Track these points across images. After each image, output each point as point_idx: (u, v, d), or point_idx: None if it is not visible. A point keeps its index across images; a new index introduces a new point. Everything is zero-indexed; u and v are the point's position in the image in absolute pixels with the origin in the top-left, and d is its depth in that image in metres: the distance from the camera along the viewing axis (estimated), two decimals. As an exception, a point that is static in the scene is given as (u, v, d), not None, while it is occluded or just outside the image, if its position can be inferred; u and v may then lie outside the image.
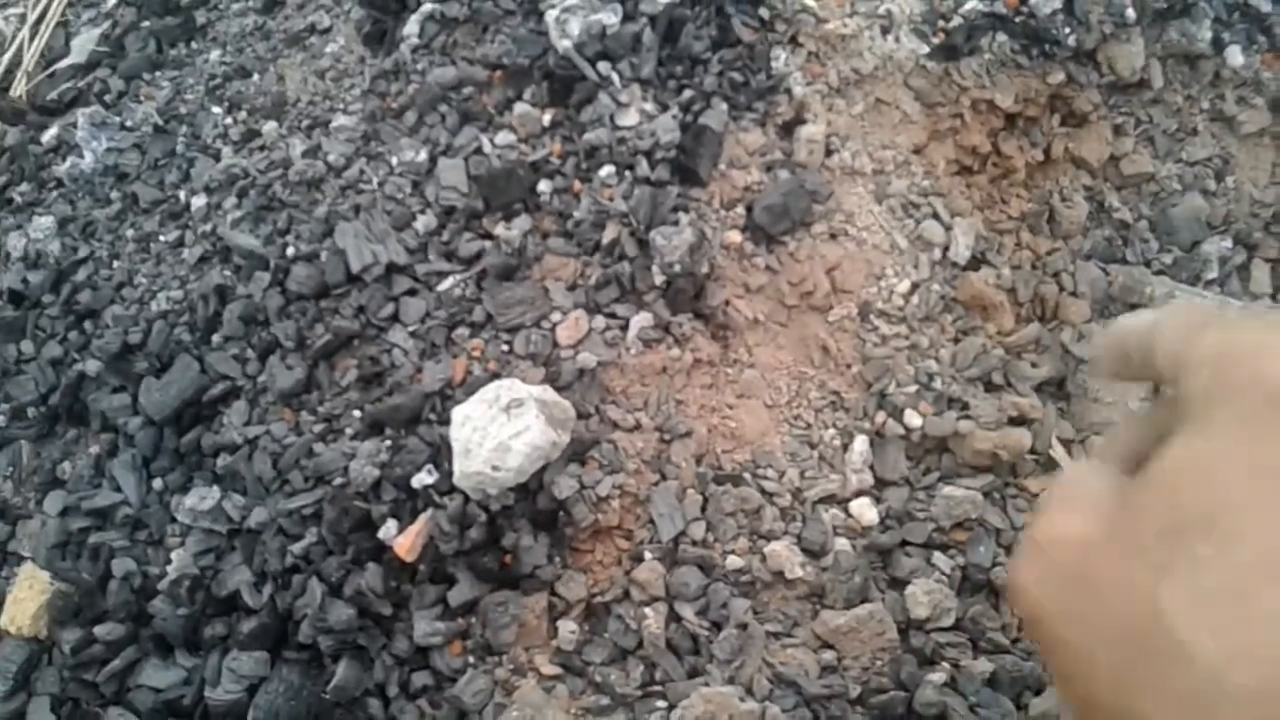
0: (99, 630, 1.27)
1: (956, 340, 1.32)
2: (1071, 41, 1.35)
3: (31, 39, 1.96)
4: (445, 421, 1.16)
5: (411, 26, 1.42)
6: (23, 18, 2.01)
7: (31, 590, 1.32)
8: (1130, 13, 1.35)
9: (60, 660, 1.29)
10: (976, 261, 1.36)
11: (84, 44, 1.90)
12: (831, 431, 1.26)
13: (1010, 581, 0.41)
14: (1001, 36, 1.35)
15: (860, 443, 1.25)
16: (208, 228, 1.43)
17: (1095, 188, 1.45)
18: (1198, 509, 0.35)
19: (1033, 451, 1.28)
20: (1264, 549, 0.33)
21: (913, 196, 1.35)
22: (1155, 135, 1.45)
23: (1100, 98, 1.42)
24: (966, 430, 1.24)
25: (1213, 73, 1.44)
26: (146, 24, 1.83)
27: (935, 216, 1.35)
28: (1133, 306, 1.37)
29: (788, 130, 1.33)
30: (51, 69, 1.89)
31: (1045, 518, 0.42)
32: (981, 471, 1.26)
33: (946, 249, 1.35)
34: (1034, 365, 1.33)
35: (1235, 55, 1.42)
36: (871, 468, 1.25)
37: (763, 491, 1.21)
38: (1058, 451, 1.29)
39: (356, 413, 1.25)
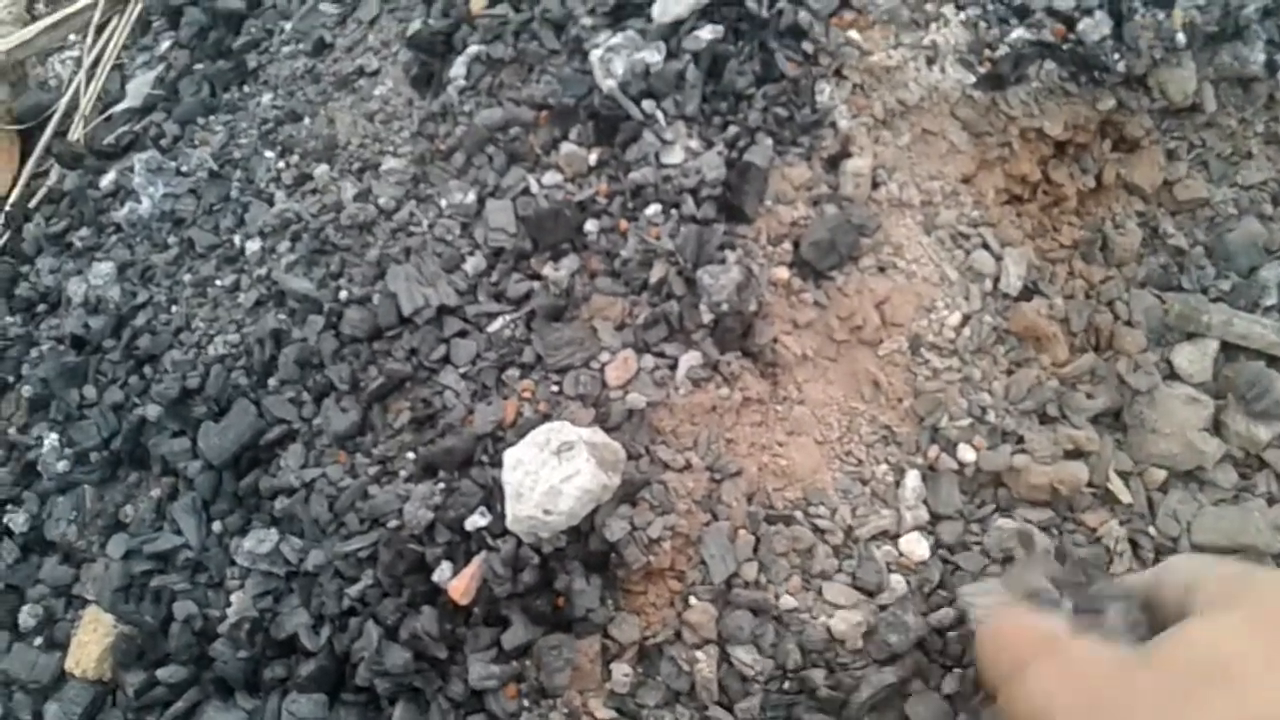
0: (161, 673, 1.29)
1: (1009, 372, 1.31)
2: (1121, 67, 1.33)
3: (88, 83, 2.00)
4: (497, 464, 1.17)
5: (458, 68, 1.43)
6: (79, 61, 2.06)
7: (96, 633, 1.34)
8: (1180, 37, 1.33)
9: (124, 703, 1.32)
10: (1028, 292, 1.35)
11: (139, 87, 1.94)
12: (884, 467, 1.26)
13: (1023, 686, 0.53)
14: (1050, 64, 1.34)
15: (913, 478, 1.24)
16: (263, 272, 1.45)
17: (1149, 214, 1.43)
18: (1218, 668, 0.47)
19: (1090, 485, 1.26)
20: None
21: (962, 227, 1.34)
22: (1209, 159, 1.43)
23: (1152, 123, 1.40)
24: (1022, 464, 1.23)
25: (1267, 95, 1.42)
26: (199, 67, 1.86)
27: (985, 247, 1.34)
28: (1190, 335, 1.34)
29: (833, 164, 1.33)
30: (108, 113, 1.93)
31: (1070, 644, 0.58)
32: (1038, 505, 1.25)
33: (997, 280, 1.33)
34: (1089, 396, 1.31)
35: (1290, 76, 1.40)
36: (925, 502, 1.24)
37: (815, 529, 1.21)
38: (1115, 484, 1.27)
39: (410, 455, 1.26)
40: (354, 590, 1.21)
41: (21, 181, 1.94)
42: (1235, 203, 1.43)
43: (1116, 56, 1.33)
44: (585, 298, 1.28)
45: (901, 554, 1.21)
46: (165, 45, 2.00)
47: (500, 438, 1.22)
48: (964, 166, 1.36)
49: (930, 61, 1.35)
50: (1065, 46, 1.33)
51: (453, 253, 1.33)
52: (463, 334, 1.30)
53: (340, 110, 1.55)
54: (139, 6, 2.09)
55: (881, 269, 1.30)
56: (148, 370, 1.47)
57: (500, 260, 1.32)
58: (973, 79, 1.34)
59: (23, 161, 1.99)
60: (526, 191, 1.33)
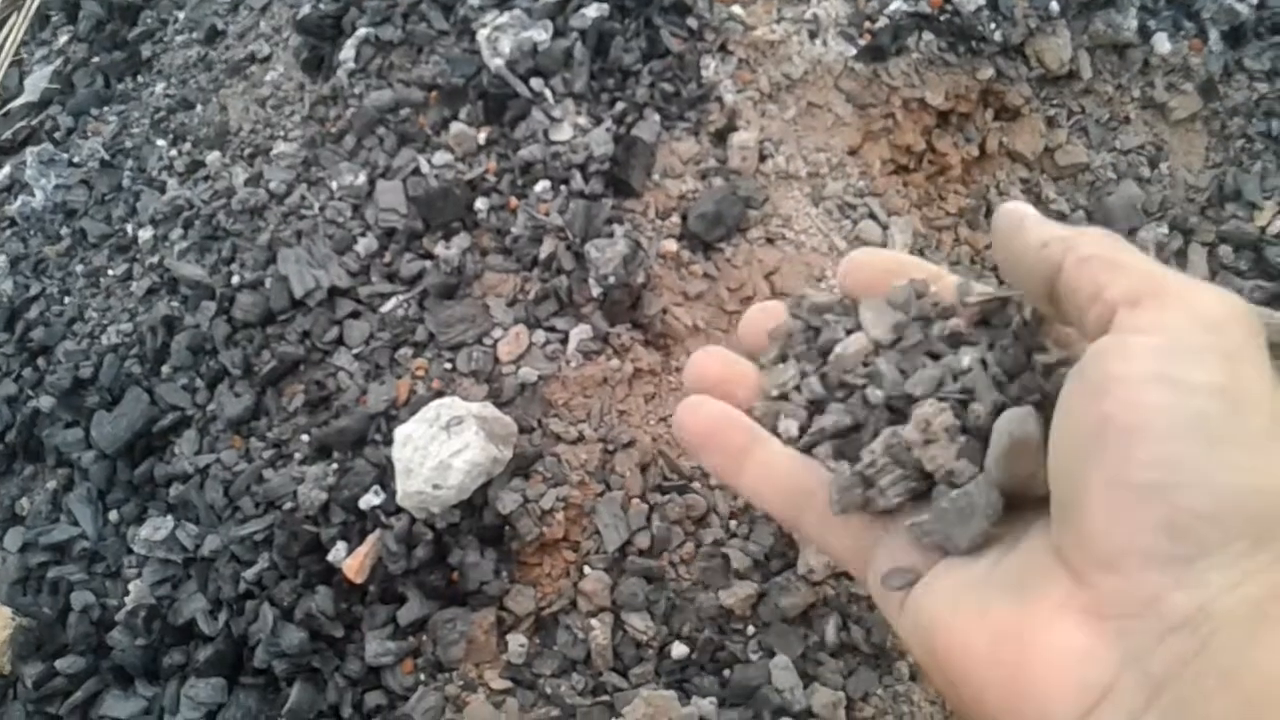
0: (60, 663, 1.28)
1: (898, 337, 1.33)
2: (998, 36, 1.36)
3: (-15, 79, 1.97)
4: (390, 442, 1.17)
5: (348, 51, 1.43)
6: (-24, 58, 2.03)
7: (-7, 627, 1.33)
8: (1054, 5, 1.37)
9: (24, 694, 1.30)
10: (915, 258, 1.37)
11: (37, 82, 1.92)
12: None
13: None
14: (928, 35, 1.36)
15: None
16: (155, 260, 1.44)
17: (1032, 180, 1.46)
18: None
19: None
20: None
21: (849, 198, 1.36)
22: (1088, 125, 1.47)
23: (1031, 91, 1.43)
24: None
25: (1141, 61, 1.46)
26: (96, 60, 1.85)
27: (872, 216, 1.36)
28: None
29: (721, 138, 1.35)
30: (5, 108, 1.91)
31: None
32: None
33: (884, 248, 1.36)
34: (974, 359, 1.34)
35: (1163, 43, 1.44)
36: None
37: (709, 498, 1.22)
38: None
39: (305, 437, 1.26)
40: (250, 574, 1.21)
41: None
42: (1114, 167, 1.47)
43: (993, 26, 1.36)
44: (477, 275, 1.29)
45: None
46: (63, 39, 1.98)
47: (394, 416, 1.22)
48: (850, 138, 1.39)
49: (813, 35, 1.37)
50: (943, 17, 1.36)
51: (344, 234, 1.33)
52: (355, 315, 1.30)
53: (232, 97, 1.54)
54: (36, 2, 2.07)
55: (770, 240, 1.32)
56: (41, 362, 1.45)
57: (392, 240, 1.32)
58: (854, 51, 1.36)
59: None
60: (417, 172, 1.34)
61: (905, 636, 0.45)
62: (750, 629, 1.17)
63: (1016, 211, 0.45)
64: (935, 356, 0.48)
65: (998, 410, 0.44)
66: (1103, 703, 0.35)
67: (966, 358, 0.46)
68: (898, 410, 0.47)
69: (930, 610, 0.43)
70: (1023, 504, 0.43)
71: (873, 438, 0.47)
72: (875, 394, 0.48)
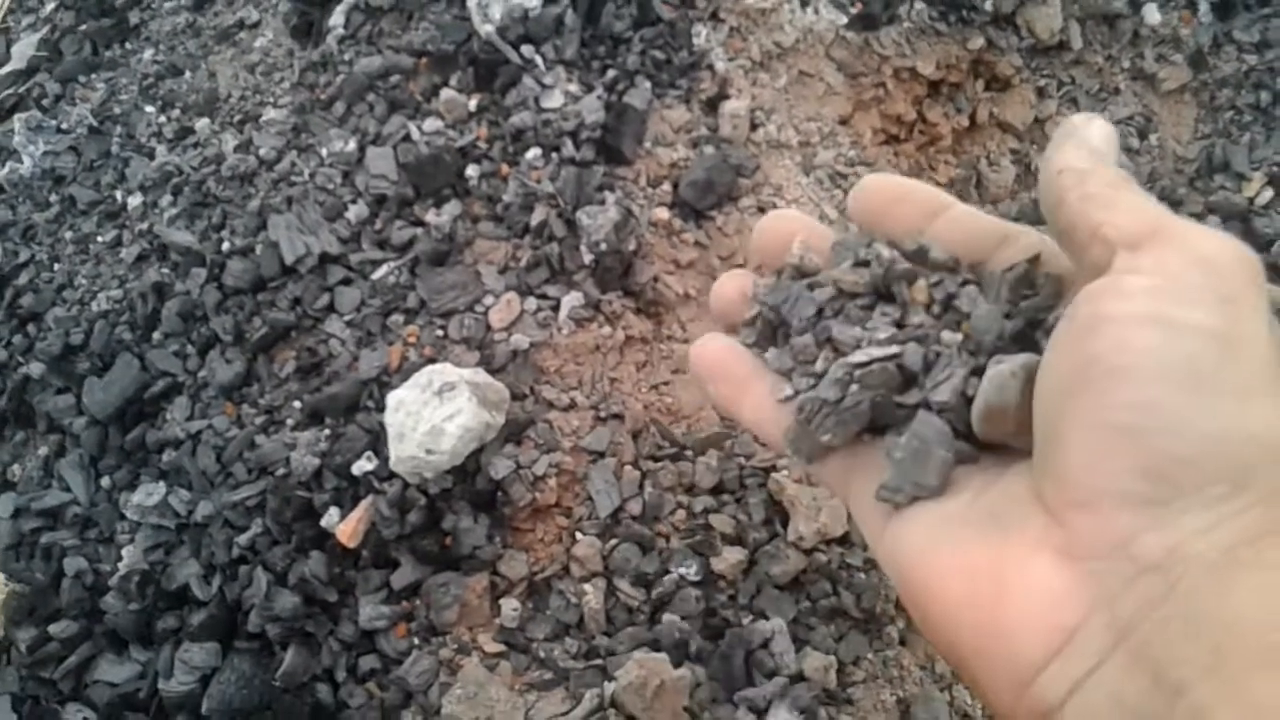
0: (54, 628, 1.28)
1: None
2: (989, 6, 1.37)
3: (-30, 47, 1.96)
4: (383, 408, 1.17)
5: (337, 17, 1.43)
6: (-38, 26, 2.01)
7: (-14, 593, 1.33)
8: (1046, -25, 1.37)
9: (18, 659, 1.31)
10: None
11: (23, 50, 1.90)
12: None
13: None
14: (919, 4, 1.37)
15: (795, 411, 1.27)
16: (144, 226, 1.44)
17: (1021, 151, 1.47)
18: None
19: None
20: None
21: (839, 167, 1.37)
22: (1078, 96, 1.47)
23: (1022, 61, 1.44)
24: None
25: (1131, 31, 1.46)
26: (83, 27, 1.83)
27: (863, 185, 1.37)
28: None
29: (712, 106, 1.35)
30: (-9, 76, 1.90)
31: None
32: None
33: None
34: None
35: (1153, 13, 1.45)
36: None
37: (700, 465, 1.23)
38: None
39: (296, 403, 1.26)
40: (243, 539, 1.22)
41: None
42: (1104, 138, 1.47)
43: (984, -5, 1.37)
44: (468, 242, 1.29)
45: (785, 487, 1.24)
46: (50, 7, 1.96)
47: (386, 383, 1.23)
48: (841, 107, 1.39)
49: (804, 3, 1.37)
50: (935, -14, 1.36)
51: (335, 201, 1.33)
52: (346, 282, 1.30)
53: (221, 63, 1.54)
54: (21, -33, 2.05)
55: (761, 208, 1.33)
56: (31, 329, 1.45)
57: (383, 207, 1.32)
58: (845, 20, 1.36)
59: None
60: (407, 138, 1.34)
61: (884, 566, 0.45)
62: (741, 595, 1.18)
63: (1069, 125, 0.43)
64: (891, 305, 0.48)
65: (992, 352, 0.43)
66: (1069, 644, 0.35)
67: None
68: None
69: (907, 544, 0.42)
70: (1003, 449, 0.42)
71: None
72: (841, 365, 0.47)
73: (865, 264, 0.49)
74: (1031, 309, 0.44)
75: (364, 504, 1.18)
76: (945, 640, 0.39)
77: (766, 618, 1.16)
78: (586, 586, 1.17)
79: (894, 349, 0.45)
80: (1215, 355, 0.35)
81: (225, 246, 1.34)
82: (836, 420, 0.46)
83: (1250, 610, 0.32)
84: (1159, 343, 0.35)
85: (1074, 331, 0.37)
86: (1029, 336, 0.43)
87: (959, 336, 0.45)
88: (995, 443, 0.43)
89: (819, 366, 0.48)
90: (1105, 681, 0.34)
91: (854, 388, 0.45)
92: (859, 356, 0.45)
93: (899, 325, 0.47)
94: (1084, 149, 0.41)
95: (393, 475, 1.16)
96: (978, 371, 0.43)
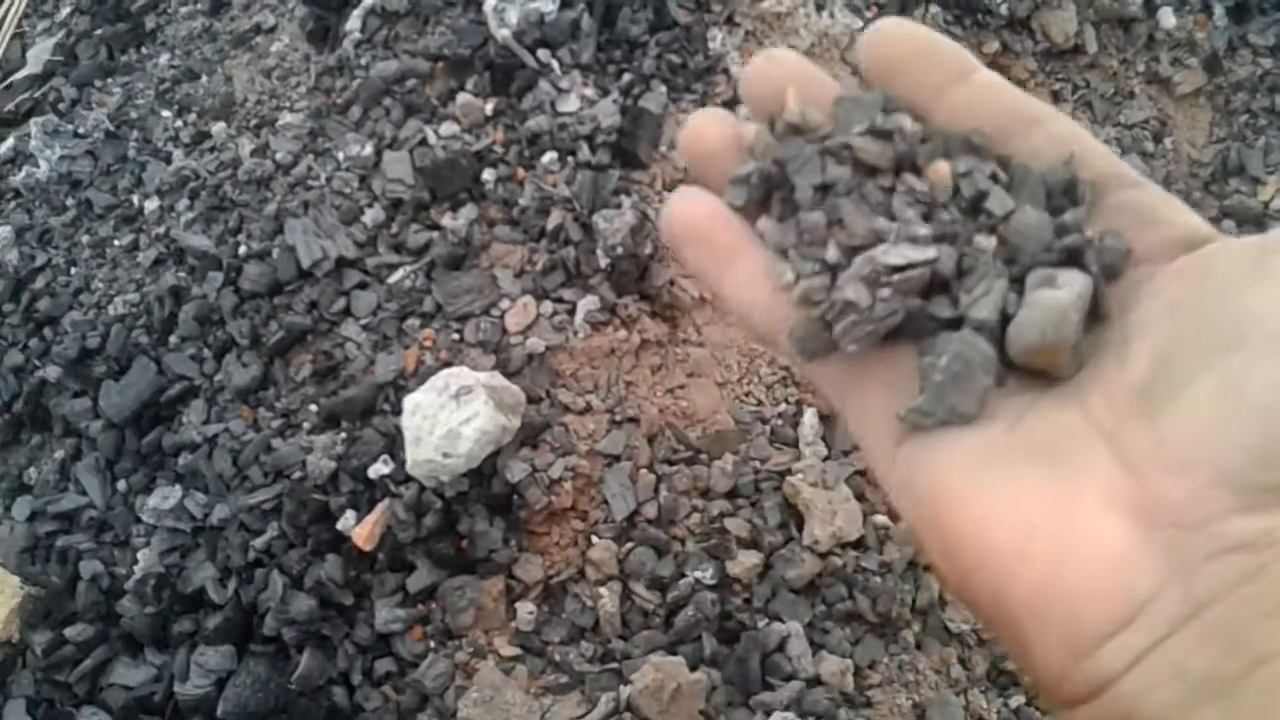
0: (69, 632, 1.29)
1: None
2: (1004, 10, 1.37)
3: (-14, 51, 1.97)
4: (399, 412, 1.18)
5: (353, 22, 1.43)
6: (-23, 31, 2.02)
7: (2, 595, 1.34)
8: (1061, -21, 1.37)
9: (33, 662, 1.31)
10: (922, 232, 1.38)
11: (39, 54, 1.91)
12: (783, 406, 1.28)
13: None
14: (935, 8, 1.37)
15: (811, 416, 1.27)
16: (161, 230, 1.44)
17: (1036, 153, 1.47)
18: None
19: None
20: None
21: (855, 171, 1.36)
22: (1093, 100, 1.47)
23: (1037, 65, 1.44)
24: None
25: (1146, 35, 1.46)
26: (99, 31, 1.84)
27: (878, 189, 1.37)
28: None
29: (728, 109, 1.35)
30: (8, 80, 1.90)
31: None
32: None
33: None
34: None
35: (1168, 17, 1.44)
36: (824, 439, 1.27)
37: (716, 469, 1.23)
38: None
39: (313, 407, 1.27)
40: (259, 542, 1.22)
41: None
42: (1119, 141, 1.47)
43: (999, -1, 1.37)
44: (484, 246, 1.29)
45: (800, 490, 1.24)
46: (66, 11, 1.97)
47: (402, 386, 1.23)
48: (856, 111, 1.39)
49: (820, 7, 1.37)
50: (950, -10, 1.37)
51: (351, 205, 1.33)
52: (363, 285, 1.30)
53: (237, 68, 1.54)
54: (36, -27, 2.06)
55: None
56: (47, 332, 1.46)
57: (399, 211, 1.33)
58: (860, 23, 1.36)
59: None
60: (424, 142, 1.34)
61: (894, 495, 0.39)
62: (756, 599, 1.18)
63: None
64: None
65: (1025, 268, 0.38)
66: (1140, 615, 0.32)
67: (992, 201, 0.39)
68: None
69: (934, 475, 0.37)
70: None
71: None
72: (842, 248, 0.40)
73: (885, 135, 0.40)
74: (1076, 223, 0.38)
75: (380, 507, 1.18)
76: (987, 590, 0.35)
77: (782, 621, 1.16)
78: (602, 590, 1.16)
79: (932, 251, 0.38)
80: None
81: (242, 250, 1.34)
82: (865, 329, 0.39)
83: None
84: None
85: (1219, 283, 0.33)
86: (1077, 252, 0.38)
87: (993, 241, 0.39)
88: (1032, 369, 0.37)
89: (830, 255, 0.40)
90: (1170, 653, 0.31)
91: (884, 292, 0.38)
92: (893, 257, 0.38)
93: (925, 218, 0.39)
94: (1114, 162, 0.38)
95: (409, 478, 1.17)
96: (1015, 282, 0.38)
